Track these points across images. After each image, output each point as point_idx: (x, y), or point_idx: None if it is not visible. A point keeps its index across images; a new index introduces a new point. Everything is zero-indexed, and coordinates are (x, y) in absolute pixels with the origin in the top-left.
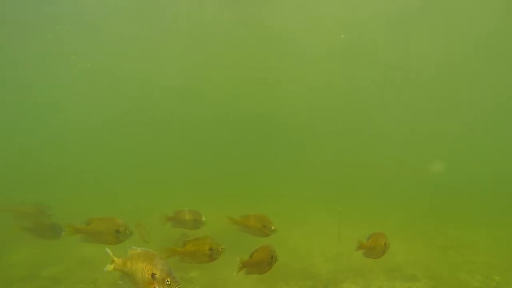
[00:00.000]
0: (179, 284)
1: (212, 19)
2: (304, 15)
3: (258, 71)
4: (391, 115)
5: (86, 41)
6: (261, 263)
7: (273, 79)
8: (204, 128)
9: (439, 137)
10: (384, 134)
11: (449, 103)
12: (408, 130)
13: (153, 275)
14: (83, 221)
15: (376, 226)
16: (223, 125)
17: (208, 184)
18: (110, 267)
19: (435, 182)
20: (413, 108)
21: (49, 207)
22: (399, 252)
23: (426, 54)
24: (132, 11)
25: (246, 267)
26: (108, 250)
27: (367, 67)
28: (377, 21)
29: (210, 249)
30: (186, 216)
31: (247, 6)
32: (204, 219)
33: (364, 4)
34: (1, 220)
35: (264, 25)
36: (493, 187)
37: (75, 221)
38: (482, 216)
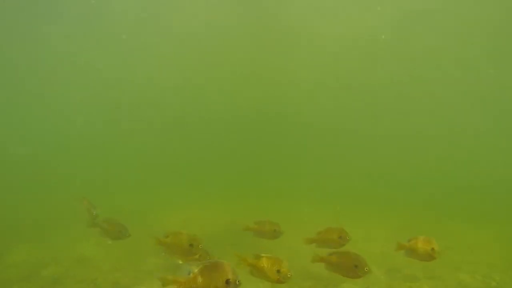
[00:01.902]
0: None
1: (215, 18)
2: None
3: (261, 70)
4: (391, 115)
5: (85, 41)
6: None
7: (276, 78)
8: (204, 128)
9: (439, 137)
10: (384, 134)
11: (449, 103)
12: (408, 129)
13: (227, 281)
14: (162, 234)
15: (376, 226)
16: (223, 125)
17: (208, 184)
18: None
19: (435, 182)
20: (413, 107)
21: (95, 207)
22: (399, 252)
23: (425, 54)
24: (132, 11)
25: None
26: (179, 262)
27: (368, 66)
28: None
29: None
30: (266, 227)
31: (251, 4)
32: (282, 230)
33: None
34: (1, 220)
35: (270, 23)
36: (493, 187)
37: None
38: (482, 216)
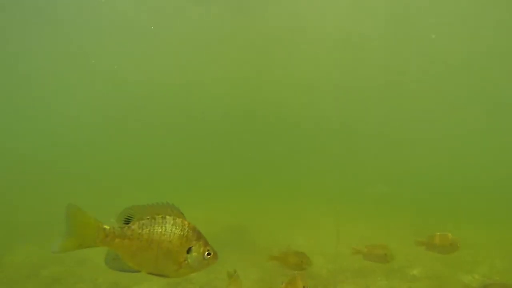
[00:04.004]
0: None
1: (212, 17)
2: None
3: (259, 70)
4: (391, 115)
5: (85, 41)
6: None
7: (274, 79)
8: (204, 128)
9: (439, 137)
10: (383, 134)
11: (449, 103)
12: (408, 129)
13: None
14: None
15: (376, 226)
16: (223, 125)
17: (208, 185)
18: None
19: (435, 181)
20: (413, 107)
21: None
22: (399, 252)
23: (425, 54)
24: (132, 12)
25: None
26: None
27: (368, 65)
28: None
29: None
30: (293, 258)
31: (247, 4)
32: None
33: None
34: (1, 220)
35: (264, 22)
36: (494, 186)
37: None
38: (483, 216)
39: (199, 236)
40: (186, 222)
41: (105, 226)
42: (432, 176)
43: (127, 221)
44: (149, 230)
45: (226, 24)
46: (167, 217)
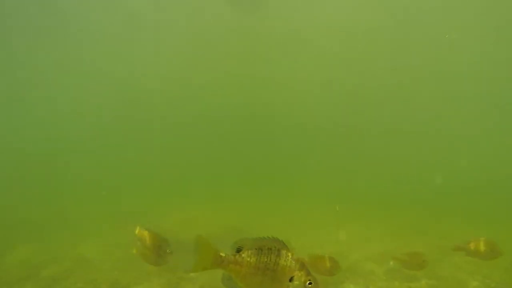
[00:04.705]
0: None
1: (213, 17)
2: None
3: (262, 70)
4: (391, 115)
5: (85, 42)
6: None
7: (275, 78)
8: (204, 129)
9: (439, 136)
10: (383, 134)
11: (449, 103)
12: (408, 129)
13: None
14: None
15: (376, 226)
16: (223, 125)
17: (208, 185)
18: None
19: (435, 181)
20: (413, 107)
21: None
22: (399, 252)
23: (424, 54)
24: (132, 13)
25: None
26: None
27: (370, 65)
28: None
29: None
30: (323, 263)
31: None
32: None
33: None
34: (1, 220)
35: (267, 22)
36: (494, 186)
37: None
38: (483, 216)
39: (301, 267)
40: (289, 254)
41: (221, 254)
42: (432, 176)
43: (239, 250)
44: (256, 259)
45: (231, 22)
46: (273, 248)
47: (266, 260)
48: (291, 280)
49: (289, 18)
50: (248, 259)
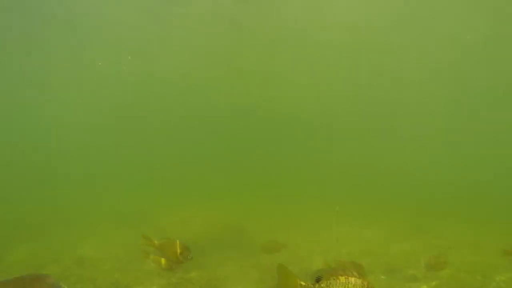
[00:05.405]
0: None
1: (214, 15)
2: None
3: (262, 70)
4: (390, 115)
5: (85, 42)
6: None
7: (275, 77)
8: (204, 129)
9: (439, 136)
10: (383, 134)
11: (448, 102)
12: (408, 129)
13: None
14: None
15: (376, 226)
16: (223, 125)
17: (207, 185)
18: None
19: (435, 181)
20: (413, 107)
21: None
22: (399, 252)
23: (424, 54)
24: (132, 12)
25: None
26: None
27: (372, 65)
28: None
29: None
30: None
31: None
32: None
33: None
34: (1, 220)
35: (273, 20)
36: (493, 186)
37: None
38: (483, 216)
39: None
40: (365, 283)
41: (302, 283)
42: (432, 176)
43: (318, 280)
44: None
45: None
46: (349, 278)
47: None
48: None
49: (289, 14)
50: None
